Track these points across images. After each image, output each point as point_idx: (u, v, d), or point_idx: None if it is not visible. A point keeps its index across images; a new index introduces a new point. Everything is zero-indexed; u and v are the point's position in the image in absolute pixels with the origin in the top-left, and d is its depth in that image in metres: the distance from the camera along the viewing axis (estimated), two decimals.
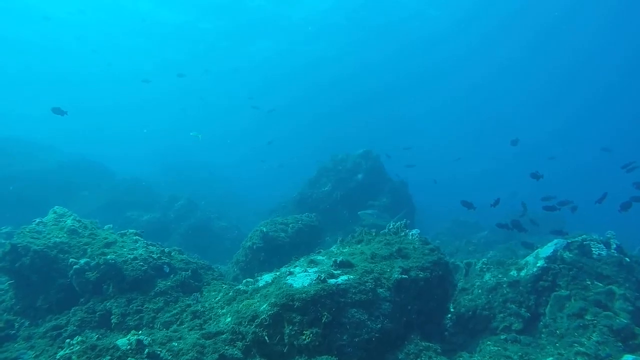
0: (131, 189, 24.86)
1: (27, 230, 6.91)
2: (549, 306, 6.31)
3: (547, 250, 7.13)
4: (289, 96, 58.90)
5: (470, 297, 7.62)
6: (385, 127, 62.01)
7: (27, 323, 6.34)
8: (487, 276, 7.67)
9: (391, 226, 7.34)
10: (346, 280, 5.54)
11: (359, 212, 12.21)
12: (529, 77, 51.87)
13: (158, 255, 6.78)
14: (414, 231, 7.15)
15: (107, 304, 6.04)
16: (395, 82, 53.61)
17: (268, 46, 44.18)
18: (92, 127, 60.71)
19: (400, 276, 5.83)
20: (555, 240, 7.24)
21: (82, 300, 6.28)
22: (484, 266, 8.55)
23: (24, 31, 41.83)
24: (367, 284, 5.59)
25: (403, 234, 7.21)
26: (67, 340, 4.68)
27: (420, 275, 6.14)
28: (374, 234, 7.17)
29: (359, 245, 6.97)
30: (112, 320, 5.84)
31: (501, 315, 6.74)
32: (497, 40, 42.67)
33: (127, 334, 4.97)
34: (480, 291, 7.48)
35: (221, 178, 38.34)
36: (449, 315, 7.52)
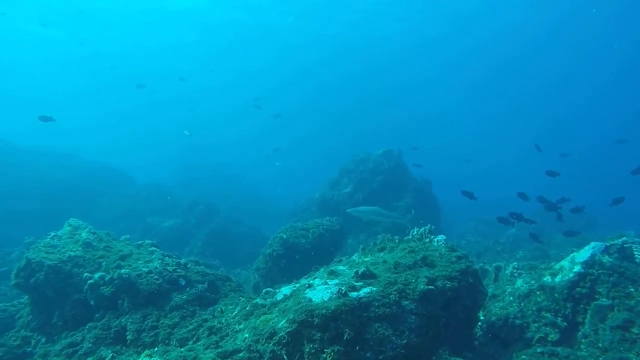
0: (151, 195, 25.14)
1: (42, 244, 6.83)
2: (588, 316, 5.84)
3: (583, 254, 6.64)
4: (303, 97, 58.81)
5: (501, 304, 7.20)
6: (396, 127, 61.28)
7: (43, 340, 6.24)
8: (519, 282, 7.22)
9: (415, 232, 6.97)
10: (368, 292, 5.22)
11: (347, 210, 11.91)
12: (533, 73, 50.62)
13: (173, 267, 6.59)
14: (439, 237, 6.76)
15: (123, 320, 5.88)
16: (404, 82, 52.97)
17: (277, 46, 44.01)
18: (112, 134, 61.90)
19: (426, 287, 5.47)
20: (593, 243, 6.75)
21: (97, 315, 6.14)
22: (514, 271, 8.09)
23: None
24: (390, 297, 5.25)
25: (428, 240, 6.83)
26: None
27: (448, 285, 5.76)
28: (397, 241, 6.82)
29: (382, 254, 6.63)
30: (128, 337, 5.67)
31: (536, 324, 6.31)
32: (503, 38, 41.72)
33: (142, 351, 4.77)
34: (511, 298, 7.05)
35: (241, 179, 38.41)
36: (479, 324, 7.11)
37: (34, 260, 6.42)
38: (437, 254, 6.44)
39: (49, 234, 7.23)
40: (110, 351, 5.50)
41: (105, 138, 61.05)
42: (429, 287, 5.54)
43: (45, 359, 5.82)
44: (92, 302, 6.17)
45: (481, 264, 9.50)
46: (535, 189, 13.60)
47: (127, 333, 5.72)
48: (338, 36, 42.04)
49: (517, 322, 6.34)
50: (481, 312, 6.98)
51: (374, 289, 5.30)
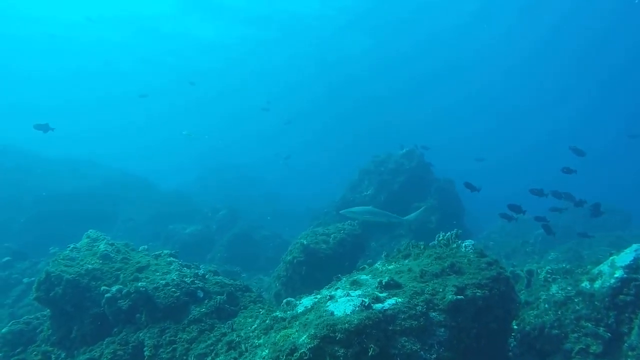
0: (174, 201, 25.34)
1: (61, 257, 6.76)
2: (635, 326, 5.38)
3: (625, 257, 6.17)
4: (316, 95, 58.68)
5: (535, 312, 6.77)
6: (408, 126, 60.44)
7: (63, 355, 6.16)
8: (554, 288, 6.78)
9: (440, 237, 6.62)
10: (394, 304, 4.92)
11: (340, 211, 11.61)
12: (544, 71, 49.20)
13: (191, 279, 6.42)
14: (467, 242, 6.39)
15: (140, 335, 5.74)
16: (412, 80, 52.26)
17: (292, 46, 43.96)
18: (134, 141, 62.94)
19: (455, 297, 5.13)
20: (635, 246, 6.26)
21: (115, 330, 6.02)
22: (548, 275, 7.64)
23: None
24: (417, 308, 4.95)
25: (455, 245, 6.47)
26: None
27: (478, 294, 5.40)
28: (422, 247, 6.48)
29: (407, 261, 6.30)
30: (145, 353, 5.52)
31: (575, 335, 5.87)
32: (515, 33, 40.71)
33: None
34: (547, 306, 6.62)
35: (262, 181, 38.46)
36: (512, 333, 6.71)
37: (53, 274, 6.36)
38: (466, 260, 6.08)
39: (69, 246, 7.17)
40: None
41: (127, 145, 62.18)
42: (458, 296, 5.20)
43: None
44: (110, 317, 6.05)
45: (511, 268, 9.04)
46: (561, 186, 13.00)
47: (145, 349, 5.57)
48: (349, 38, 41.87)
49: (554, 332, 5.93)
50: (514, 320, 6.57)
51: (400, 299, 5.00)
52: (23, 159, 25.27)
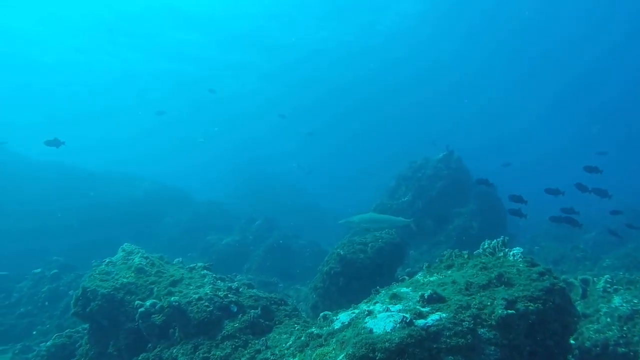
0: (211, 212, 25.66)
1: (97, 272, 6.79)
2: None
3: None
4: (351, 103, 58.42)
5: (596, 327, 6.17)
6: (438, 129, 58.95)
7: None
8: (617, 300, 6.16)
9: (486, 245, 6.16)
10: (438, 319, 4.54)
11: (339, 222, 11.50)
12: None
13: (224, 293, 6.26)
14: (515, 250, 5.90)
15: (174, 351, 5.61)
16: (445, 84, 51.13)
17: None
18: (172, 154, 64.66)
19: (505, 312, 4.69)
20: None
21: (149, 345, 5.93)
22: (608, 285, 6.98)
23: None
24: (464, 324, 4.55)
25: (502, 254, 5.99)
26: None
27: (531, 308, 4.93)
28: (466, 256, 6.04)
29: (450, 272, 5.89)
30: None
31: None
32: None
33: None
34: (609, 320, 6.01)
35: (299, 191, 38.42)
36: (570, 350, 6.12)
37: (89, 289, 6.39)
38: (515, 270, 5.60)
39: (104, 260, 7.22)
40: None
41: (166, 158, 63.88)
42: (509, 311, 4.75)
43: None
44: (144, 332, 5.98)
45: (563, 276, 8.38)
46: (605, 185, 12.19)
47: None
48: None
49: (621, 349, 5.34)
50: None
51: (444, 315, 4.61)
52: (70, 173, 26.42)
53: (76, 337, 7.83)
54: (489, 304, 4.90)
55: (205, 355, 5.42)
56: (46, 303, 13.05)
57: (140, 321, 5.96)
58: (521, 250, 5.87)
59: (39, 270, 14.43)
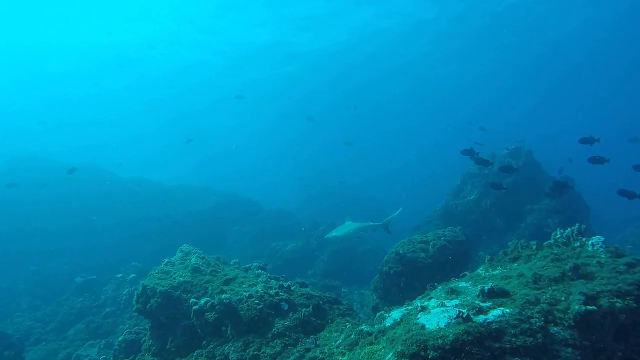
0: (276, 220, 26.04)
1: (156, 271, 7.00)
2: None
3: None
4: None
5: None
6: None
7: None
8: None
9: (557, 235, 5.45)
10: (500, 315, 4.04)
11: (325, 237, 11.85)
12: None
13: (275, 290, 6.14)
14: (594, 239, 5.15)
15: (226, 348, 5.56)
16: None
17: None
18: (239, 163, 66.96)
19: (583, 307, 4.05)
20: None
21: (204, 342, 5.95)
22: None
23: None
24: (532, 321, 4.00)
25: (578, 244, 5.26)
26: None
27: (618, 305, 4.21)
28: (534, 247, 5.38)
29: (515, 264, 5.27)
30: None
31: None
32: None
33: None
34: None
35: (364, 198, 38.03)
36: None
37: (148, 287, 6.59)
38: (595, 262, 4.87)
39: (164, 260, 7.44)
40: None
41: (234, 169, 66.20)
42: (589, 307, 4.10)
43: None
44: (198, 329, 6.01)
45: None
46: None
47: None
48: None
49: None
50: None
51: (508, 310, 4.09)
52: (150, 188, 28.45)
53: (143, 333, 8.16)
54: (562, 298, 4.28)
55: (255, 353, 5.30)
56: (126, 304, 13.93)
57: (194, 319, 6.01)
58: (602, 239, 5.11)
59: (120, 275, 15.47)
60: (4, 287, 18.17)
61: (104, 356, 8.35)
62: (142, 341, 7.25)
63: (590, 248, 5.12)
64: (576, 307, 4.08)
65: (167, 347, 6.32)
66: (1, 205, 21.92)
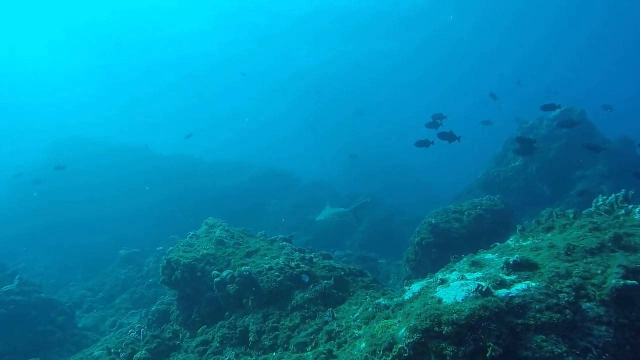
0: (313, 192, 26.01)
1: (182, 244, 7.10)
2: None
3: None
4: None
5: None
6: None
7: (188, 334, 6.42)
8: None
9: (599, 202, 4.94)
10: (524, 289, 3.71)
11: (316, 219, 12.14)
12: None
13: (296, 263, 6.05)
14: None
15: (246, 320, 5.58)
16: None
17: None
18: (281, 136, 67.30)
19: (622, 282, 3.64)
20: None
21: (226, 313, 6.00)
22: None
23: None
24: (561, 295, 3.64)
25: (623, 211, 4.74)
26: None
27: None
28: (571, 216, 4.91)
29: (549, 234, 4.84)
30: (249, 338, 5.32)
31: None
32: None
33: (261, 355, 4.26)
34: None
35: (406, 168, 37.20)
36: None
37: (172, 259, 6.70)
38: None
39: (189, 233, 7.53)
40: (233, 353, 5.21)
41: (272, 142, 66.57)
42: (629, 281, 3.67)
43: (186, 354, 5.92)
44: (220, 300, 6.07)
45: None
46: None
47: (249, 334, 5.37)
48: None
49: None
50: None
51: (533, 284, 3.75)
52: (189, 163, 29.21)
53: (174, 304, 8.41)
54: (598, 272, 3.86)
55: (274, 324, 5.27)
56: None
57: (216, 290, 6.06)
58: None
59: (160, 247, 16.07)
60: (59, 260, 19.46)
61: (138, 325, 8.71)
62: (171, 311, 7.45)
63: (637, 217, 4.60)
64: (613, 281, 3.67)
65: (192, 317, 6.45)
66: (52, 184, 23.20)
